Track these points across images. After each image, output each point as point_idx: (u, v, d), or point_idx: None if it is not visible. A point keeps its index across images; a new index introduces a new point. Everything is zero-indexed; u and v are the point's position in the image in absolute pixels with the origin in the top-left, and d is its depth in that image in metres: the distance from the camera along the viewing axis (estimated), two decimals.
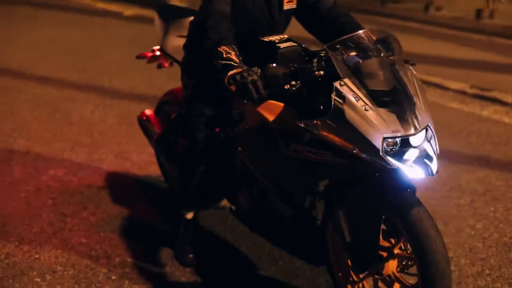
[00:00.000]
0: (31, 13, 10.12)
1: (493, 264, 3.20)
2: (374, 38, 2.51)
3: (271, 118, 2.56)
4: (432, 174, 2.32)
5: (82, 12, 10.34)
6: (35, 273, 3.05)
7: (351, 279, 2.73)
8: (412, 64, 2.69)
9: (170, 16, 3.40)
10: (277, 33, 2.86)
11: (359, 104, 2.26)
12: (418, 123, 2.30)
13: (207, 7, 2.61)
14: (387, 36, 2.52)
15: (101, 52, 7.61)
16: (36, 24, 9.22)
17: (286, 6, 2.87)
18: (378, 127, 2.23)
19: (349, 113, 2.26)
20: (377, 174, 2.40)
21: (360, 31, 2.47)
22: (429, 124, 2.35)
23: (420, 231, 2.33)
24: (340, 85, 2.30)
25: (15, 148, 4.59)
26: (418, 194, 2.46)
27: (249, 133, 2.74)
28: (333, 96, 2.29)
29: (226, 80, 2.33)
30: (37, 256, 3.19)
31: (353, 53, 2.47)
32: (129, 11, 10.32)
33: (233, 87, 2.31)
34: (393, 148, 2.26)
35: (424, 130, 2.34)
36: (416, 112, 2.32)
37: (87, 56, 7.45)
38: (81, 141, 4.76)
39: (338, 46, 2.46)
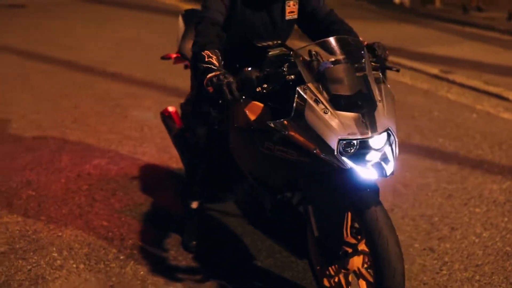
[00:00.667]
0: (117, 14, 10.73)
1: (486, 271, 3.24)
2: (355, 44, 2.68)
3: (252, 117, 2.77)
4: (386, 176, 2.45)
5: (166, 13, 10.83)
6: (54, 248, 3.40)
7: (327, 272, 2.88)
8: (396, 70, 2.82)
9: (192, 20, 3.66)
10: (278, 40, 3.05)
11: (319, 107, 2.44)
12: (376, 127, 2.44)
13: (202, 12, 2.85)
14: (363, 44, 2.67)
15: (173, 52, 7.99)
16: (119, 24, 9.80)
17: (288, 17, 3.06)
18: (335, 129, 2.40)
19: (308, 115, 2.45)
20: (345, 173, 2.55)
21: (331, 38, 2.63)
22: (390, 128, 2.48)
23: (374, 229, 2.47)
24: (304, 89, 2.48)
25: (70, 138, 5.00)
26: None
27: (237, 131, 2.95)
28: (296, 99, 2.48)
29: (205, 82, 2.55)
30: (60, 234, 3.54)
31: (332, 59, 2.64)
32: None
33: (210, 89, 2.52)
34: (350, 149, 2.41)
35: (386, 134, 2.47)
36: (376, 116, 2.46)
37: (158, 56, 7.85)
38: (131, 135, 5.12)
39: (314, 52, 2.64)
